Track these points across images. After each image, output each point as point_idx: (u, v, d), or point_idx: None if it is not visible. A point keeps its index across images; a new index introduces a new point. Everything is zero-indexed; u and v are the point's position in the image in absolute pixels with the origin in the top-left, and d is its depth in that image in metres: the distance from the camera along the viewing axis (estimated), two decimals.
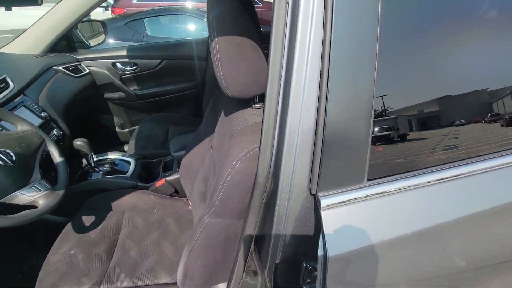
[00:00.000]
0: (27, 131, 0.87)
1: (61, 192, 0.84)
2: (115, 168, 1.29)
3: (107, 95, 1.83)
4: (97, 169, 1.26)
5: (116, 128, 1.97)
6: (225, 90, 0.65)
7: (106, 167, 1.28)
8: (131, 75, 1.81)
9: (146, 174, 1.35)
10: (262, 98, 0.74)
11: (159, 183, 1.24)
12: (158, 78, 1.88)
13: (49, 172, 0.97)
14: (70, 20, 1.51)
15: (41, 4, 0.96)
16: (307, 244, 0.48)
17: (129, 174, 1.27)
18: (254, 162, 0.62)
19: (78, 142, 1.17)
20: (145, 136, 1.61)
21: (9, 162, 0.75)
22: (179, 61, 1.86)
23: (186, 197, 1.27)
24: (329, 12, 0.38)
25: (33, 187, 0.79)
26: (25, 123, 0.89)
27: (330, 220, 0.43)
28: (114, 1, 5.63)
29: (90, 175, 1.24)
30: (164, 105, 1.98)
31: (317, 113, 0.42)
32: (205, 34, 3.91)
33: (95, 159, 1.31)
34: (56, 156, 0.92)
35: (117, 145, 2.01)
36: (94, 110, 1.85)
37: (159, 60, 1.82)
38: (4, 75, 1.14)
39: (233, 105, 0.80)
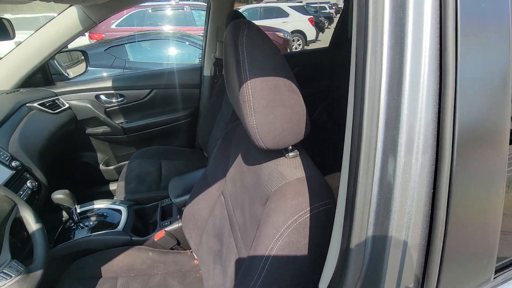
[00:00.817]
0: None
1: (39, 273, 0.65)
2: (104, 221, 1.09)
3: (89, 130, 1.64)
4: (81, 225, 1.06)
5: (100, 165, 1.76)
6: (258, 142, 0.52)
7: (93, 220, 1.08)
8: (117, 107, 1.64)
9: (141, 224, 1.17)
10: (295, 145, 0.61)
11: (158, 235, 1.06)
12: (147, 109, 1.72)
13: (19, 244, 0.77)
14: (47, 52, 1.35)
15: (13, 38, 0.81)
16: None
17: (121, 227, 1.07)
18: (303, 232, 0.48)
19: (59, 196, 0.97)
20: (136, 176, 1.42)
21: None
22: (170, 90, 1.72)
23: (190, 249, 1.09)
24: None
25: (1, 274, 0.60)
26: None
27: None
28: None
29: (73, 232, 1.03)
30: (154, 137, 1.81)
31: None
32: (189, 57, 3.83)
33: (78, 211, 1.11)
34: (32, 224, 0.73)
35: (102, 184, 1.80)
36: (73, 148, 1.64)
37: (148, 90, 1.67)
38: None
39: (256, 151, 0.67)
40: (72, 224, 1.06)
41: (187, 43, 3.83)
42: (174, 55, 3.69)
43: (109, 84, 1.59)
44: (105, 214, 1.12)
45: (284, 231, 0.48)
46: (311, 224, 0.48)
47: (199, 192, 0.97)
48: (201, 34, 4.92)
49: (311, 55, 1.97)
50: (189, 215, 0.99)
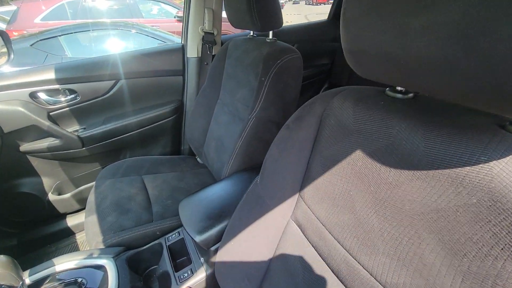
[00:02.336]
0: None
1: None
2: None
3: (25, 146, 1.11)
4: None
5: (49, 194, 1.23)
6: None
7: None
8: (67, 109, 1.14)
9: (142, 282, 0.74)
10: None
11: None
12: (112, 108, 1.25)
13: None
14: None
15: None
16: None
17: None
18: None
19: None
20: (112, 204, 0.97)
21: None
22: (142, 80, 1.26)
23: None
24: None
25: None
26: None
27: None
28: (9, 23, 4.44)
29: None
30: (126, 147, 1.34)
31: None
32: (141, 47, 3.26)
33: (29, 282, 0.65)
34: None
35: (54, 221, 1.27)
36: (1, 175, 1.10)
37: (112, 82, 1.20)
38: None
39: (437, 135, 0.33)
40: None
41: (133, 31, 3.27)
42: (122, 47, 3.09)
43: (51, 75, 1.09)
44: (79, 279, 0.67)
45: None
46: None
47: (248, 221, 0.60)
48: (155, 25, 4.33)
49: (310, 29, 1.68)
50: (230, 257, 0.62)
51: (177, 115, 1.38)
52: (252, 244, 0.59)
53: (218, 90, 1.15)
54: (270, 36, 0.96)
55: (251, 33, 1.08)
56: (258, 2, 0.84)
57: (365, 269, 0.40)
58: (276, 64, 0.84)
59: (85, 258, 0.73)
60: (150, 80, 1.28)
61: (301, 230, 0.54)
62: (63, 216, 1.29)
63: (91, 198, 1.02)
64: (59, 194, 1.26)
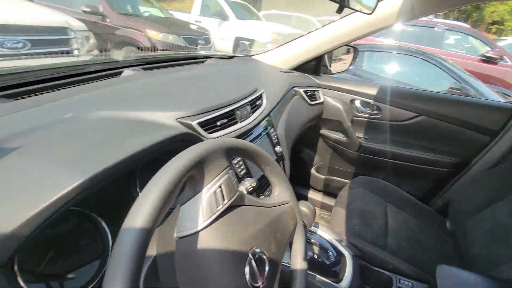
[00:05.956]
0: (284, 207, 0.51)
1: None
2: (324, 262, 0.84)
3: (324, 131, 1.48)
4: None
5: (312, 169, 1.61)
6: None
7: (312, 251, 0.84)
8: (366, 119, 1.38)
9: None
10: None
11: None
12: (401, 134, 1.35)
13: None
14: (332, 45, 1.25)
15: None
16: None
17: (345, 285, 0.78)
18: None
19: (303, 208, 0.78)
20: (359, 211, 1.10)
21: None
22: (443, 124, 1.25)
23: None
24: None
25: None
26: (286, 187, 0.54)
27: None
28: None
29: None
30: (386, 168, 1.43)
31: None
32: (435, 80, 3.06)
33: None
34: (299, 260, 0.52)
35: (301, 186, 1.66)
36: (300, 141, 1.56)
37: (415, 114, 1.28)
38: (263, 90, 0.91)
39: None
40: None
41: (430, 62, 3.11)
42: (414, 74, 3.13)
43: (368, 90, 1.34)
44: (328, 252, 0.87)
45: None
46: None
47: None
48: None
49: None
50: None
51: (455, 170, 1.26)
52: None
53: None
54: None
55: None
56: None
57: None
58: None
59: (335, 239, 0.91)
60: (449, 126, 1.23)
61: None
62: (308, 187, 1.65)
63: (344, 193, 1.22)
64: (317, 172, 1.61)
